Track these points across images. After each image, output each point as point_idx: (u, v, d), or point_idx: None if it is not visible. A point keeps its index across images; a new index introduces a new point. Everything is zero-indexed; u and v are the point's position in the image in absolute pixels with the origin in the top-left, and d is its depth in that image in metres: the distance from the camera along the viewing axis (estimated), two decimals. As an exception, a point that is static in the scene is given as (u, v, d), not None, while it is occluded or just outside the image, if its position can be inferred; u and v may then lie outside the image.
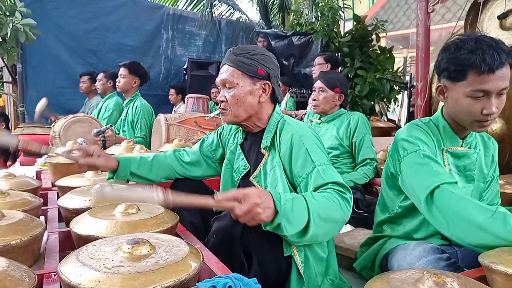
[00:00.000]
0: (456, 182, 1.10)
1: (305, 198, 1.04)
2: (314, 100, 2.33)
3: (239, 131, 1.41)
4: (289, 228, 1.00)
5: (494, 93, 1.09)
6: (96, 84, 3.89)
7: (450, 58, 1.13)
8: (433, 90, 1.25)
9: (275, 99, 1.34)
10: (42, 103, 3.47)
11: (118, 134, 3.21)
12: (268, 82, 1.29)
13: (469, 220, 0.99)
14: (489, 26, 2.32)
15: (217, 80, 1.32)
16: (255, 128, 1.35)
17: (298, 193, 1.20)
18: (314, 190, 1.13)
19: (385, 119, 4.44)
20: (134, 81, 3.19)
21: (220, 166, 1.51)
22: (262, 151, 1.30)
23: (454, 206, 1.03)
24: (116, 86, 3.30)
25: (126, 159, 1.46)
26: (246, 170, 1.34)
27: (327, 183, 1.12)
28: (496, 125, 2.35)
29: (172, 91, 5.09)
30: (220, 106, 1.32)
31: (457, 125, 1.22)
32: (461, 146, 1.25)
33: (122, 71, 3.20)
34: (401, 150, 1.21)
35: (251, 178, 1.32)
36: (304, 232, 1.03)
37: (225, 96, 1.29)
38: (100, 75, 3.80)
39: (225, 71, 1.29)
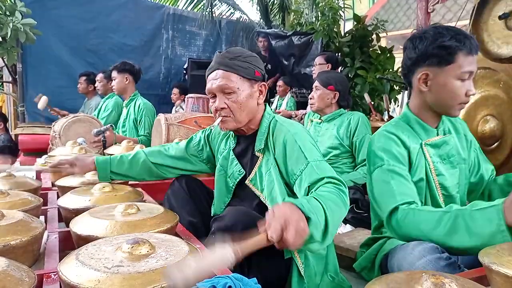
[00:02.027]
0: (415, 202, 1.14)
1: (317, 199, 0.97)
2: (311, 98, 2.37)
3: (230, 136, 1.40)
4: (318, 233, 0.91)
5: (470, 75, 1.18)
6: (96, 85, 3.88)
7: (438, 44, 1.18)
8: (413, 81, 1.26)
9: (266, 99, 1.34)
10: (42, 102, 3.46)
11: (118, 133, 3.22)
12: (264, 83, 1.29)
13: (433, 234, 1.04)
14: (494, 26, 2.31)
15: (212, 87, 1.25)
16: (248, 131, 1.34)
17: (294, 193, 1.20)
18: (309, 186, 1.11)
19: (386, 117, 4.44)
20: (126, 78, 3.21)
21: (208, 165, 1.52)
22: (257, 153, 1.30)
23: (412, 223, 1.09)
24: (113, 90, 3.34)
25: (103, 161, 1.51)
26: (241, 175, 1.34)
27: (322, 178, 1.10)
28: (487, 125, 2.33)
29: (175, 90, 5.08)
30: (220, 114, 1.26)
31: (429, 116, 1.25)
32: (437, 135, 1.27)
33: (113, 74, 3.24)
34: (371, 164, 1.25)
35: (246, 181, 1.31)
36: (324, 233, 0.94)
37: (225, 103, 1.24)
38: (100, 76, 3.79)
39: (222, 77, 1.23)
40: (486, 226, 0.94)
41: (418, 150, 1.23)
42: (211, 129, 1.49)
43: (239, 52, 1.28)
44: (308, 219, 0.88)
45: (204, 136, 1.50)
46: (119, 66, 3.24)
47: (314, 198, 0.97)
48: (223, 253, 0.76)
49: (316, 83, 2.35)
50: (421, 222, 1.07)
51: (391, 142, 1.21)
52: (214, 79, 1.25)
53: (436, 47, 1.18)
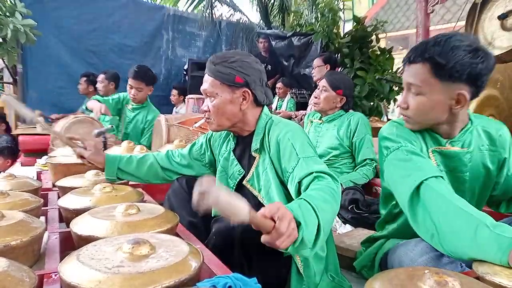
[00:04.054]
0: (442, 177, 1.05)
1: (308, 202, 0.96)
2: (316, 98, 2.34)
3: (230, 137, 1.42)
4: (308, 238, 0.89)
5: (406, 86, 1.14)
6: (97, 86, 3.86)
7: None
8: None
9: (259, 103, 1.32)
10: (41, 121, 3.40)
11: (118, 135, 3.21)
12: (247, 89, 1.28)
13: (453, 229, 0.93)
14: (490, 26, 2.32)
15: (201, 89, 1.32)
16: (244, 132, 1.35)
17: (288, 191, 1.20)
18: (299, 182, 1.11)
19: (385, 119, 4.45)
20: (150, 89, 3.03)
21: (210, 170, 1.53)
22: (253, 154, 1.31)
23: (438, 206, 0.96)
24: (132, 99, 3.01)
25: (114, 157, 1.52)
26: (241, 175, 1.35)
27: (311, 173, 1.09)
28: None
29: (174, 91, 5.09)
30: (205, 115, 1.34)
31: (436, 124, 1.16)
32: (447, 145, 1.17)
33: (137, 84, 2.92)
34: (384, 149, 1.18)
35: (244, 182, 1.32)
36: (316, 235, 0.93)
37: (208, 106, 1.30)
38: (101, 77, 3.76)
39: (206, 81, 1.30)
40: (492, 249, 0.86)
41: (425, 153, 1.16)
42: (212, 133, 1.50)
43: (226, 56, 1.28)
44: (298, 224, 0.87)
45: (206, 140, 1.52)
46: (149, 78, 2.94)
47: (305, 200, 0.95)
48: (243, 204, 0.77)
49: (324, 83, 2.29)
50: (447, 214, 0.95)
51: (404, 131, 1.17)
52: (203, 82, 1.32)
53: None
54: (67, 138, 1.56)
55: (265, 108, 1.36)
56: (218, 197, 0.71)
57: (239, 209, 0.76)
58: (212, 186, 0.71)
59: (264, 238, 0.83)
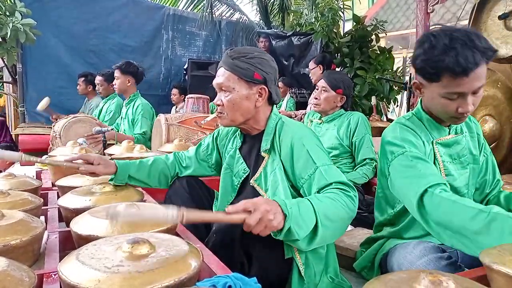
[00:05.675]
0: (444, 183, 1.08)
1: (309, 201, 1.04)
2: (316, 98, 2.33)
3: (237, 135, 1.41)
4: (299, 232, 0.99)
5: (469, 93, 1.08)
6: (97, 88, 3.86)
7: (425, 59, 1.10)
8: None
9: (272, 102, 1.33)
10: (44, 101, 3.49)
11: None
12: (265, 86, 1.27)
13: (463, 228, 0.97)
14: (493, 26, 2.31)
15: (214, 83, 1.30)
16: (253, 130, 1.34)
17: (302, 196, 1.20)
18: (317, 191, 1.13)
19: (385, 119, 4.44)
20: (128, 80, 3.24)
21: (216, 170, 1.52)
22: (262, 154, 1.30)
23: (444, 212, 1.01)
24: (114, 89, 3.38)
25: (125, 164, 1.45)
26: (246, 174, 1.34)
27: (331, 183, 1.12)
28: (487, 125, 2.33)
29: (175, 91, 5.09)
30: (216, 109, 1.32)
31: (438, 117, 1.22)
32: (449, 134, 1.24)
33: (116, 73, 3.26)
34: (388, 154, 1.19)
35: (251, 181, 1.31)
36: (313, 234, 1.02)
37: (221, 100, 1.28)
38: (99, 79, 3.76)
39: (222, 75, 1.27)
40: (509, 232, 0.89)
41: (429, 148, 1.20)
42: (219, 131, 1.50)
43: (245, 52, 1.27)
44: (285, 216, 0.96)
45: (212, 140, 1.51)
46: (123, 67, 3.24)
47: (308, 200, 1.01)
48: (167, 210, 0.82)
49: (323, 84, 2.28)
50: (455, 214, 1.00)
51: (408, 133, 1.19)
52: (217, 75, 1.30)
53: (422, 62, 1.10)
54: (66, 162, 1.45)
55: (274, 107, 1.35)
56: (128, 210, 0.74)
57: (161, 216, 0.80)
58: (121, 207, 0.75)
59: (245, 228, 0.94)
